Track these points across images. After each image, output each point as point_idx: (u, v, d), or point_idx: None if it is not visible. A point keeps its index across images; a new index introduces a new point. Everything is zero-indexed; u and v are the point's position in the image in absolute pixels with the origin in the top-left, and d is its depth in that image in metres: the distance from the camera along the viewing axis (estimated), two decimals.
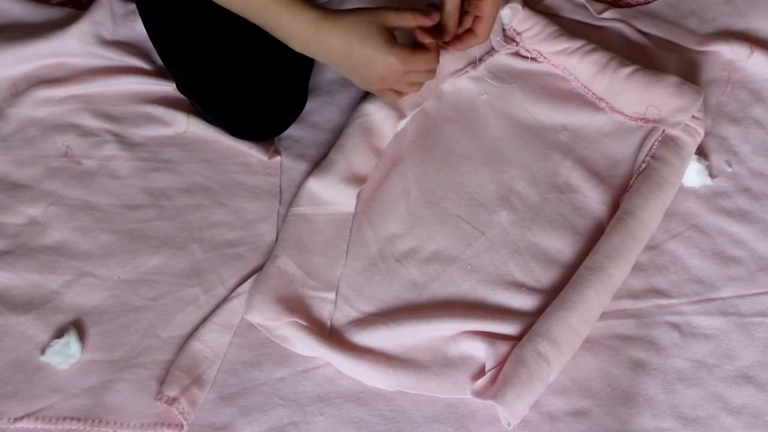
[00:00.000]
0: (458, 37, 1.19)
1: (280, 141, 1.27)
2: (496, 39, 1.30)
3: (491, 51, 1.31)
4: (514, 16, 1.30)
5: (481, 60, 1.30)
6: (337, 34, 1.10)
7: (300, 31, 1.10)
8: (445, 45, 1.19)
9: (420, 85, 1.19)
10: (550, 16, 1.37)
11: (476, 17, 1.17)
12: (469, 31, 1.19)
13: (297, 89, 1.25)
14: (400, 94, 1.19)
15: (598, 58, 1.26)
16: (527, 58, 1.30)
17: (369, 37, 1.10)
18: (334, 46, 1.10)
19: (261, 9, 1.09)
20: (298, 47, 1.12)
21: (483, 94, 1.28)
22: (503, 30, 1.31)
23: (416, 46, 1.15)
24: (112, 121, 1.28)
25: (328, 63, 1.15)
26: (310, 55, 1.14)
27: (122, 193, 1.23)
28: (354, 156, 1.21)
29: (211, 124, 1.26)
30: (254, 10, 1.10)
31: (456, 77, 1.29)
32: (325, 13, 1.09)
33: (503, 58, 1.30)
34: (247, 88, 1.20)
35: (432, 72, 1.17)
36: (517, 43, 1.31)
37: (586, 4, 1.38)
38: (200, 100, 1.24)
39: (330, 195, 1.20)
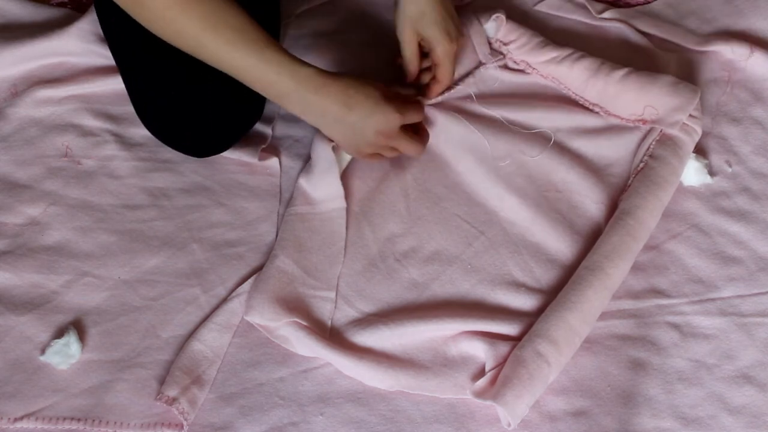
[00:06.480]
0: (426, 87, 1.24)
1: (280, 141, 1.27)
2: (483, 52, 1.30)
3: (479, 65, 1.30)
4: (499, 28, 1.30)
5: (469, 74, 1.30)
6: (338, 87, 1.09)
7: (298, 88, 1.08)
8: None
9: (398, 151, 1.19)
10: (550, 16, 1.38)
11: (435, 65, 1.21)
12: (433, 79, 1.23)
13: (246, 103, 1.21)
14: (381, 157, 1.19)
15: (588, 64, 1.26)
16: (515, 70, 1.30)
17: (367, 91, 1.11)
18: (335, 100, 1.09)
19: (252, 67, 1.07)
20: (293, 104, 1.10)
21: (474, 103, 1.28)
22: (489, 43, 1.31)
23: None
24: (112, 121, 1.28)
25: (322, 122, 1.12)
26: (304, 114, 1.11)
27: (122, 193, 1.23)
28: (327, 144, 1.20)
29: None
30: (243, 68, 1.08)
31: (445, 95, 1.27)
32: (321, 70, 1.10)
33: (492, 71, 1.30)
34: (190, 101, 1.18)
35: (422, 146, 1.18)
36: (505, 55, 1.30)
37: (586, 4, 1.38)
38: (138, 111, 1.22)
39: (318, 193, 1.20)
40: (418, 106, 1.19)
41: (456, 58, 1.23)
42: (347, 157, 1.22)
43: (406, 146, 1.17)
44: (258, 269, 1.16)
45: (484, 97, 1.28)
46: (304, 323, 1.10)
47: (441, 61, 1.20)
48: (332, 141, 1.18)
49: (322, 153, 1.18)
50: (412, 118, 1.16)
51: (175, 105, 1.19)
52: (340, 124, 1.11)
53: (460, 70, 1.29)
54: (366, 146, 1.15)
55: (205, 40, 1.06)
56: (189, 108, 1.18)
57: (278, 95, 1.10)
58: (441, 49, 1.19)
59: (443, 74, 1.22)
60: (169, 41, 1.08)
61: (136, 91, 1.22)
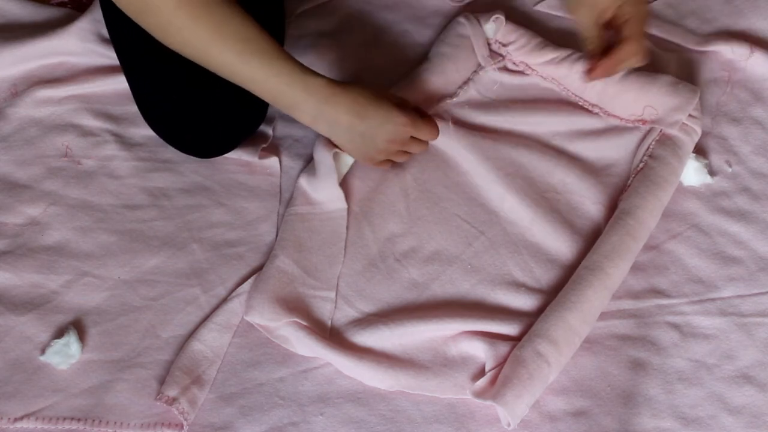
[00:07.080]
0: (606, 55, 1.14)
1: (280, 141, 1.27)
2: (482, 55, 1.30)
3: (478, 68, 1.30)
4: (498, 29, 1.30)
5: (469, 80, 1.30)
6: (349, 97, 1.09)
7: (309, 99, 1.08)
8: (594, 74, 1.16)
9: (410, 155, 1.19)
10: (550, 16, 1.38)
11: (622, 23, 1.11)
12: (622, 42, 1.12)
13: (249, 106, 1.20)
14: (391, 163, 1.20)
15: None
16: (515, 71, 1.30)
17: (379, 101, 1.11)
18: (346, 110, 1.09)
19: (263, 79, 1.07)
20: (304, 114, 1.10)
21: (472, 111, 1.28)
22: (489, 44, 1.31)
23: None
24: (112, 121, 1.28)
25: (333, 131, 1.12)
26: (314, 124, 1.11)
27: (122, 193, 1.23)
28: (328, 149, 1.20)
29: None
30: (252, 80, 1.07)
31: (444, 102, 1.28)
32: (331, 80, 1.09)
33: (491, 74, 1.30)
34: (193, 104, 1.18)
35: (426, 145, 1.19)
36: (504, 57, 1.30)
37: None
38: (142, 112, 1.22)
39: (318, 194, 1.20)
40: (431, 123, 1.16)
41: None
42: (349, 163, 1.22)
43: (417, 148, 1.18)
44: (258, 269, 1.16)
45: (484, 102, 1.28)
46: (304, 323, 1.10)
47: (632, 17, 1.10)
48: (334, 147, 1.17)
49: (323, 159, 1.18)
50: (424, 133, 1.16)
51: (178, 107, 1.19)
52: (351, 133, 1.12)
53: (460, 76, 1.29)
54: (376, 153, 1.15)
55: (214, 51, 1.05)
56: (192, 110, 1.18)
57: (289, 105, 1.10)
58: (630, 7, 1.09)
59: (635, 30, 1.10)
60: (177, 50, 1.07)
61: (139, 93, 1.22)
